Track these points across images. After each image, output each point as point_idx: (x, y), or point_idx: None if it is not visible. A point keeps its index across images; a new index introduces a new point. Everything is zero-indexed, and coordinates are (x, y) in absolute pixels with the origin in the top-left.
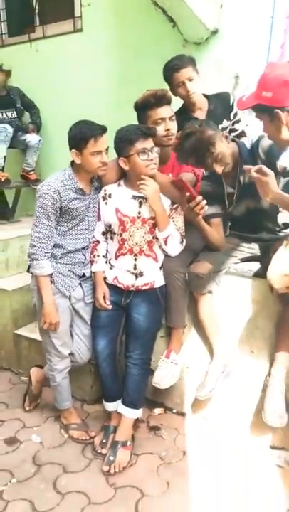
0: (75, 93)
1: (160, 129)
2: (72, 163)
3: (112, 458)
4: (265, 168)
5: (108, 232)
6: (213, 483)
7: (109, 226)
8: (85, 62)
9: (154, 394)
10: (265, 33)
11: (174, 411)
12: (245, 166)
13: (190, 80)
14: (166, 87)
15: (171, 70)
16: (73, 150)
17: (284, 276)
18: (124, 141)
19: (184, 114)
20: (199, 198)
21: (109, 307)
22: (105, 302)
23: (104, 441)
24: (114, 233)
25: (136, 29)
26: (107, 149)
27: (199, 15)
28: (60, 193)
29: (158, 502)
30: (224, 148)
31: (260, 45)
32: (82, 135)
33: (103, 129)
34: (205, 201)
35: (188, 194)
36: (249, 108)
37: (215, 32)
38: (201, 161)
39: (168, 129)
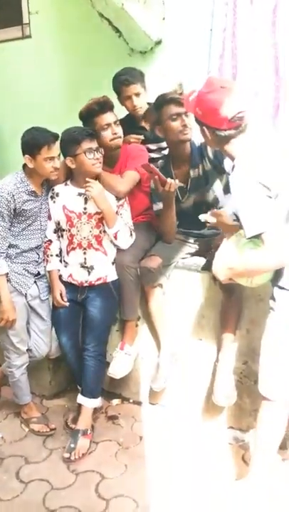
0: (26, 97)
1: (107, 134)
2: (24, 166)
3: (72, 445)
4: (216, 210)
5: (58, 230)
6: (168, 463)
7: (58, 223)
8: (34, 67)
9: (112, 385)
10: (205, 44)
11: (131, 401)
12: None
13: (137, 95)
14: (114, 93)
15: (120, 83)
16: (26, 155)
17: (227, 269)
18: (71, 141)
19: (130, 123)
20: (169, 179)
21: (67, 304)
22: (62, 299)
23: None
24: (64, 230)
25: (83, 37)
26: (59, 155)
27: (143, 26)
28: (13, 196)
29: (117, 483)
30: None
31: (201, 55)
32: (35, 142)
33: (55, 137)
34: (173, 180)
35: (157, 177)
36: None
37: (159, 42)
38: None
39: (115, 133)
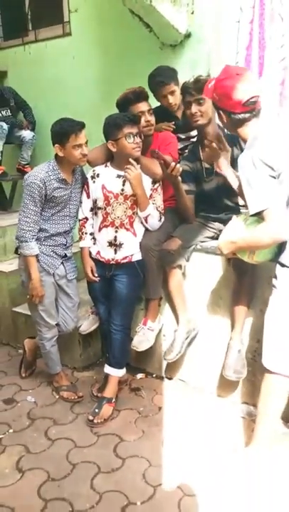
0: (65, 92)
1: (141, 122)
2: (56, 156)
3: (97, 410)
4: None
5: (94, 208)
6: (182, 432)
7: (95, 202)
8: (73, 63)
9: (137, 361)
10: (232, 36)
11: (154, 375)
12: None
13: (172, 93)
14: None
15: (155, 84)
16: (56, 145)
17: (230, 243)
18: (113, 126)
19: (163, 113)
20: (172, 163)
21: (97, 279)
22: (93, 275)
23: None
24: (99, 208)
25: (118, 33)
26: (86, 142)
27: (171, 21)
28: (45, 183)
29: (133, 446)
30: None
31: (229, 46)
32: (63, 131)
33: (82, 125)
34: (178, 164)
35: (163, 161)
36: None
37: (188, 36)
38: None
39: (148, 121)
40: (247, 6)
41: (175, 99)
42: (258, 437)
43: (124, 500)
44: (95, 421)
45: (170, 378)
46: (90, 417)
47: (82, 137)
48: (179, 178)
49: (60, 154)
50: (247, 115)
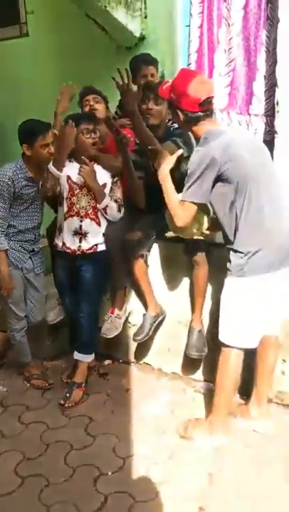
0: (22, 91)
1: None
2: (23, 155)
3: (68, 395)
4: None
5: (59, 197)
6: (148, 409)
7: (60, 192)
8: (31, 63)
9: (105, 348)
10: (184, 39)
11: (121, 361)
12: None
13: (152, 76)
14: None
15: (141, 62)
16: (24, 144)
17: (166, 175)
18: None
19: None
20: (122, 132)
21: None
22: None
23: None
24: (65, 198)
25: (75, 35)
26: (52, 142)
27: (126, 25)
28: (13, 181)
29: (103, 424)
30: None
31: (181, 49)
32: (32, 131)
33: (49, 126)
34: (126, 133)
35: (115, 129)
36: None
37: (142, 38)
38: None
39: (93, 108)
40: (196, 11)
41: None
42: (216, 407)
43: (96, 471)
44: (66, 405)
45: (137, 362)
46: (62, 402)
47: (48, 137)
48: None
49: (28, 153)
50: (201, 114)
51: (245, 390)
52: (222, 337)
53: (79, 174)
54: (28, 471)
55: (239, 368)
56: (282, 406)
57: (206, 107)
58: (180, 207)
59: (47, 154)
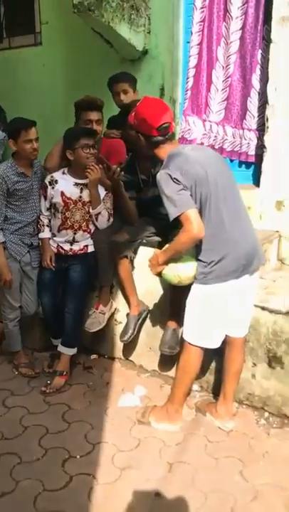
0: (36, 96)
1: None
2: (13, 154)
3: (49, 382)
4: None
5: (52, 208)
6: (123, 402)
7: (54, 205)
8: (44, 70)
9: (92, 343)
10: (184, 54)
11: (106, 356)
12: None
13: (124, 92)
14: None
15: (111, 80)
16: (11, 139)
17: (158, 258)
18: (71, 137)
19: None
20: (114, 166)
21: (53, 268)
22: (51, 263)
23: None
24: (58, 211)
25: (84, 46)
26: (37, 139)
27: (129, 39)
28: (4, 178)
29: (80, 413)
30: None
31: (181, 64)
32: (15, 127)
33: (32, 123)
34: (118, 168)
35: (105, 165)
36: None
37: (145, 52)
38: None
39: (94, 129)
40: (196, 30)
41: (126, 98)
42: (172, 396)
43: (66, 454)
44: (47, 391)
45: (120, 358)
46: (43, 388)
47: (31, 133)
48: (121, 183)
49: (14, 148)
50: (160, 138)
51: (218, 390)
52: (185, 336)
53: (81, 183)
54: (3, 450)
55: (198, 364)
56: (251, 408)
57: (163, 132)
58: (182, 228)
59: (30, 149)
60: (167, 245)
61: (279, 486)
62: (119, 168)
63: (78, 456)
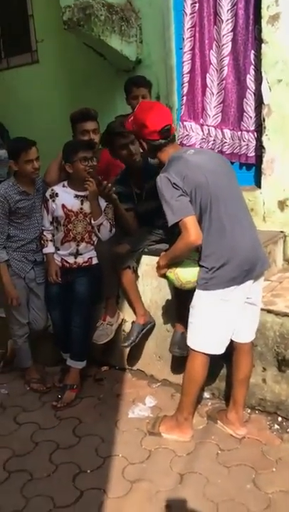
0: (37, 112)
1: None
2: (15, 173)
3: (60, 396)
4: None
5: (54, 222)
6: (134, 413)
7: (56, 218)
8: (41, 87)
9: (101, 355)
10: (177, 61)
11: (117, 367)
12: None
13: (144, 97)
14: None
15: (132, 83)
16: (11, 160)
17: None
18: (70, 150)
19: None
20: (104, 182)
21: (59, 282)
22: (57, 278)
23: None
24: (60, 224)
25: (79, 61)
26: (37, 158)
27: (121, 51)
28: (6, 197)
29: (91, 426)
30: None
31: (175, 71)
32: (15, 148)
33: (32, 143)
34: (110, 184)
35: (97, 181)
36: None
37: (139, 62)
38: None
39: (91, 139)
40: (187, 36)
41: None
42: (181, 405)
43: (77, 469)
44: (58, 405)
45: (131, 369)
46: (54, 403)
47: (31, 153)
48: (115, 196)
49: (15, 168)
50: (163, 141)
51: (230, 397)
52: (189, 342)
53: (81, 196)
54: (15, 467)
55: (204, 371)
56: (263, 413)
57: (165, 135)
58: (180, 235)
59: (31, 169)
60: (171, 251)
61: None
62: (110, 184)
63: (89, 471)
